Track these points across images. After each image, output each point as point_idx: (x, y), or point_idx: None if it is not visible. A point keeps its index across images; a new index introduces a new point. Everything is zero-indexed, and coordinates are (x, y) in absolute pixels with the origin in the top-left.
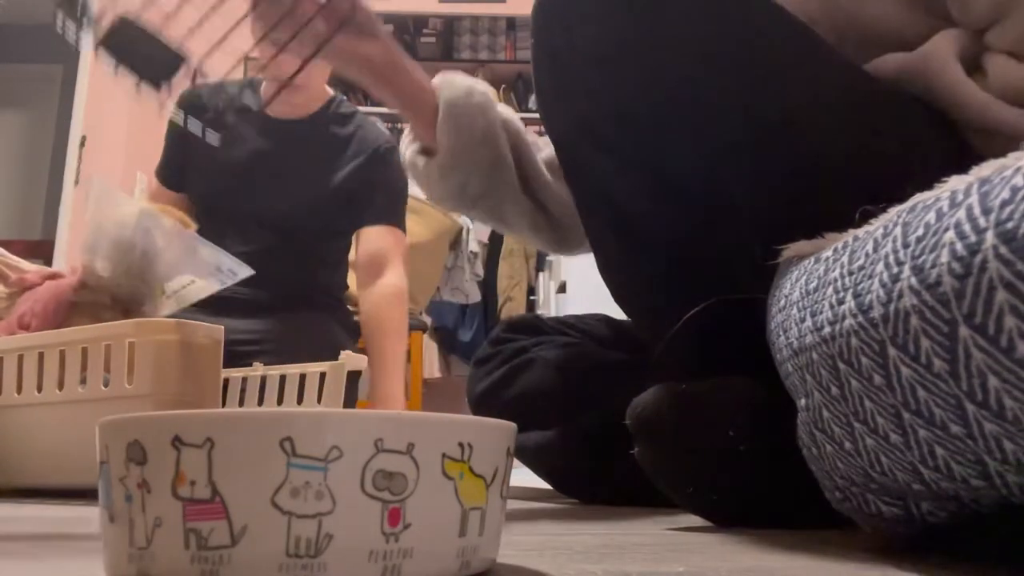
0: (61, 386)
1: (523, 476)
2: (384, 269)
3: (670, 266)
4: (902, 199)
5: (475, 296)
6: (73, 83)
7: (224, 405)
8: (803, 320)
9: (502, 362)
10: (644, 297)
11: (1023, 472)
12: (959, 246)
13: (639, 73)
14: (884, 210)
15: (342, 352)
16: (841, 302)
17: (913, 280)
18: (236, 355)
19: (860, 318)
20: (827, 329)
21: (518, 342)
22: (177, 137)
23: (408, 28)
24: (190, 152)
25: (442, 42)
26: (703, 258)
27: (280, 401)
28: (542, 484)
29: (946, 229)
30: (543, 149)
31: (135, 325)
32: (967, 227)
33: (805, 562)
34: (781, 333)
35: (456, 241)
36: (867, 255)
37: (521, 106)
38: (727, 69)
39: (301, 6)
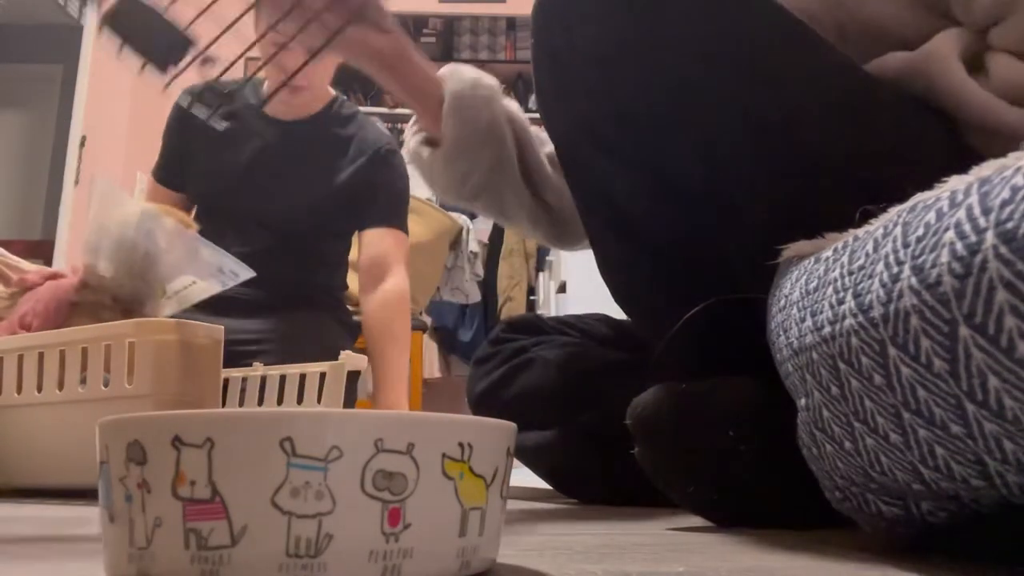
0: (61, 386)
1: (523, 476)
2: (386, 273)
3: (670, 266)
4: (902, 199)
5: (475, 296)
6: (73, 83)
7: (224, 405)
8: (803, 320)
9: (502, 362)
10: (644, 297)
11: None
12: (959, 246)
13: (639, 73)
14: (884, 210)
15: (342, 352)
16: (841, 302)
17: (913, 280)
18: (236, 355)
19: (860, 318)
20: (827, 329)
21: (518, 342)
22: (176, 136)
23: (408, 28)
24: (190, 152)
25: (442, 42)
26: (703, 258)
27: (280, 401)
28: (542, 484)
29: (946, 229)
30: (546, 144)
31: (135, 325)
32: (967, 227)
33: (805, 562)
34: (781, 333)
35: (456, 241)
36: (867, 255)
37: (521, 106)
38: (727, 69)
39: None
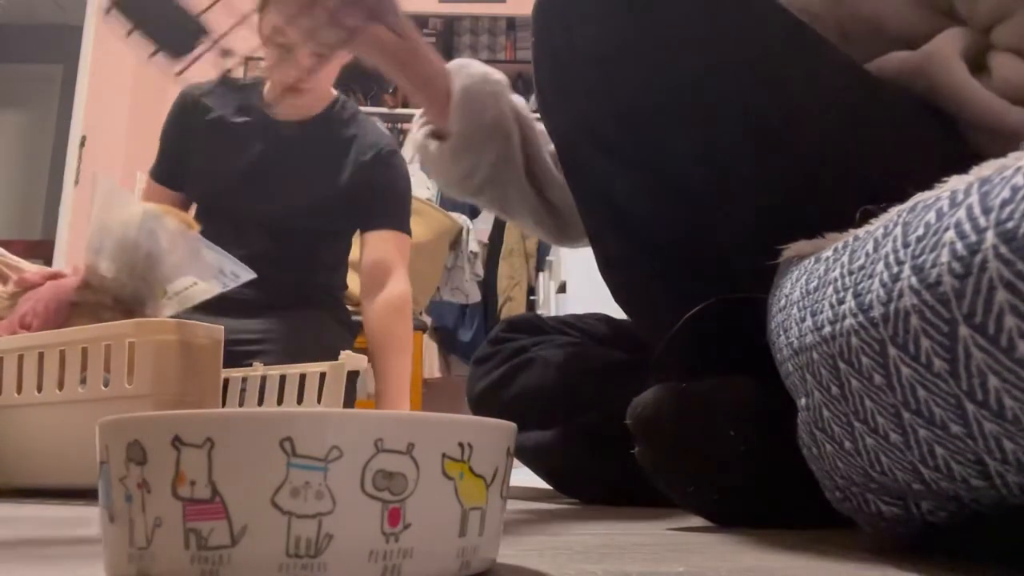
0: (61, 386)
1: (523, 476)
2: (387, 278)
3: (670, 266)
4: (902, 199)
5: (475, 296)
6: (73, 83)
7: (224, 405)
8: (803, 320)
9: (502, 361)
10: (644, 297)
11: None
12: (959, 245)
13: (639, 73)
14: (884, 210)
15: (342, 352)
16: (841, 302)
17: (913, 280)
18: (236, 355)
19: (860, 317)
20: (827, 329)
21: (518, 341)
22: (176, 135)
23: None
24: (189, 151)
25: (442, 42)
26: (703, 258)
27: (280, 401)
28: (542, 484)
29: (946, 229)
30: (551, 141)
31: (135, 325)
32: (967, 226)
33: (805, 562)
34: (781, 333)
35: (456, 241)
36: (867, 255)
37: None
38: (727, 69)
39: None
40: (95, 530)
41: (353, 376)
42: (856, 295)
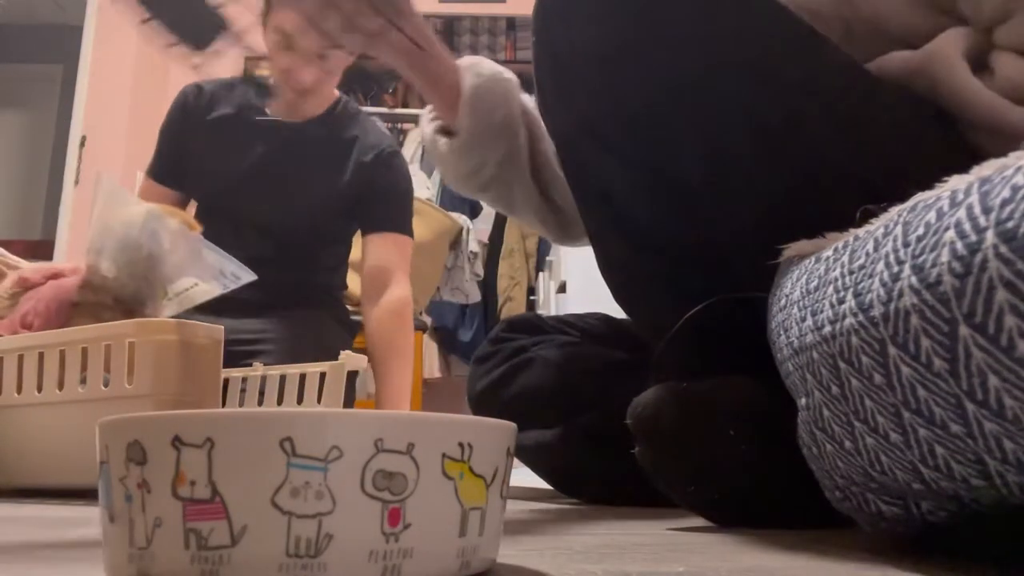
0: (61, 386)
1: (523, 476)
2: (388, 283)
3: (670, 265)
4: (903, 198)
5: (475, 296)
6: (73, 83)
7: (224, 405)
8: (804, 319)
9: (502, 361)
10: (644, 296)
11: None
12: (959, 245)
13: (639, 73)
14: (885, 209)
15: (342, 352)
16: (842, 301)
17: (913, 279)
18: (236, 355)
19: (860, 317)
20: (827, 328)
21: (518, 341)
22: (176, 134)
23: None
24: (189, 151)
25: (442, 42)
26: (703, 258)
27: (280, 401)
28: (542, 484)
29: (946, 228)
30: None
31: (135, 325)
32: (967, 226)
33: (805, 562)
34: (782, 332)
35: (456, 241)
36: (868, 254)
37: None
38: (727, 69)
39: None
40: (95, 530)
41: (353, 376)
42: (856, 294)
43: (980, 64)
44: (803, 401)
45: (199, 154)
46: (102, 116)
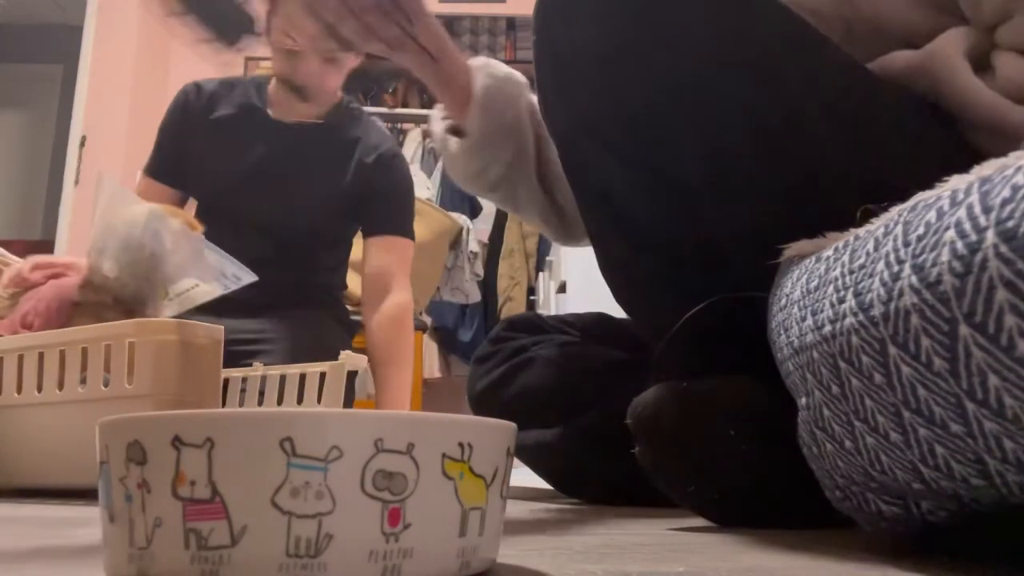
0: (61, 386)
1: (523, 476)
2: (389, 288)
3: (670, 265)
4: (903, 198)
5: (475, 296)
6: (73, 83)
7: (224, 405)
8: (804, 319)
9: (502, 360)
10: (644, 296)
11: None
12: (959, 244)
13: (640, 73)
14: (885, 209)
15: (342, 352)
16: (842, 301)
17: (913, 279)
18: (236, 355)
19: (861, 316)
20: (828, 328)
21: (518, 340)
22: (176, 132)
23: None
24: (190, 150)
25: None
26: (703, 257)
27: (280, 401)
28: (542, 484)
29: (947, 228)
30: None
31: (135, 325)
32: (967, 225)
33: (805, 562)
34: (782, 332)
35: (456, 241)
36: (868, 254)
37: None
38: (728, 69)
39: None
40: (95, 530)
41: (352, 376)
42: (856, 294)
43: (981, 64)
44: (803, 401)
45: (199, 154)
46: (102, 116)
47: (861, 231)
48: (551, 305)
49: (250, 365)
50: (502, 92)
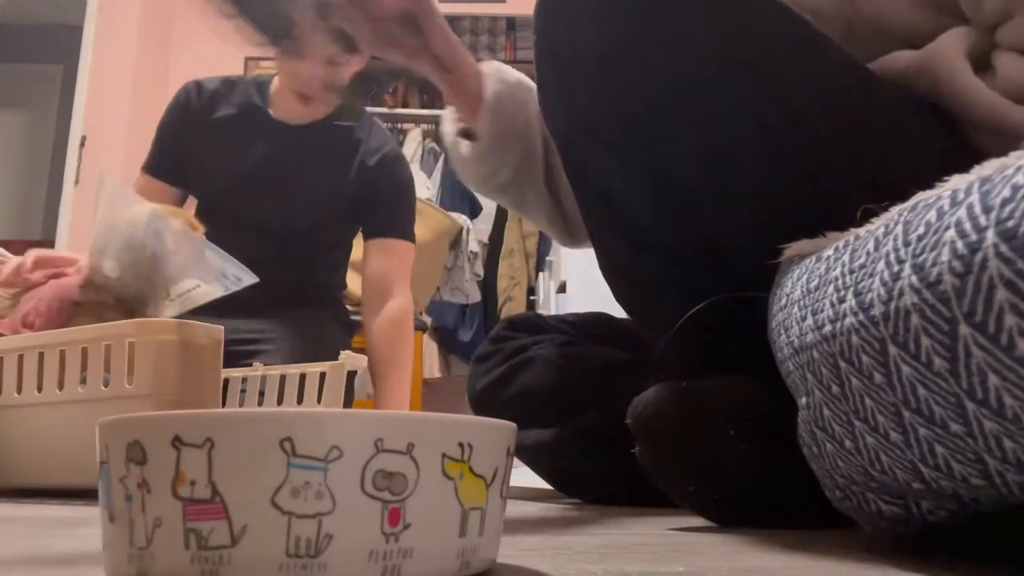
0: (61, 386)
1: (523, 476)
2: (390, 293)
3: (670, 266)
4: (904, 198)
5: (475, 296)
6: (73, 83)
7: (224, 405)
8: (804, 319)
9: (502, 360)
10: (645, 296)
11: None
12: (960, 244)
13: (640, 73)
14: (886, 209)
15: (342, 352)
16: (842, 300)
17: (914, 278)
18: (236, 355)
19: (861, 316)
20: (828, 327)
21: (518, 340)
22: (177, 131)
23: None
24: (190, 149)
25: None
26: (704, 257)
27: (280, 401)
28: (542, 484)
29: (947, 227)
30: None
31: (135, 325)
32: (968, 225)
33: (805, 562)
34: (782, 331)
35: (456, 241)
36: (868, 253)
37: None
38: (728, 69)
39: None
40: (95, 530)
41: (352, 376)
42: (857, 294)
43: (982, 64)
44: (803, 400)
45: (199, 153)
46: (102, 116)
47: (861, 231)
48: (551, 305)
49: (250, 365)
50: (512, 98)
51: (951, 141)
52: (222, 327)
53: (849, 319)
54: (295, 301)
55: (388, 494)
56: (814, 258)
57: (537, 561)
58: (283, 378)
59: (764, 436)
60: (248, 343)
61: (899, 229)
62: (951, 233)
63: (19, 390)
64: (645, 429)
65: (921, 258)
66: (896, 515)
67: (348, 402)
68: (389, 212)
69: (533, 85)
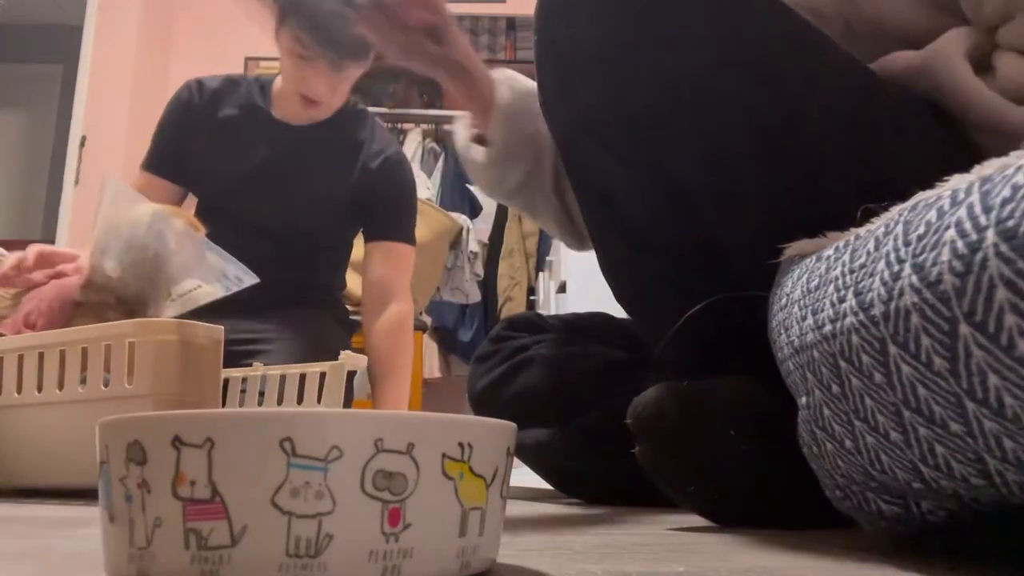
0: (61, 386)
1: (523, 476)
2: (390, 298)
3: (670, 266)
4: (904, 197)
5: (475, 296)
6: (73, 83)
7: (224, 405)
8: (804, 318)
9: (502, 360)
10: (645, 296)
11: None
12: (960, 244)
13: (640, 73)
14: (886, 208)
15: (342, 352)
16: (842, 300)
17: (914, 278)
18: (236, 355)
19: (861, 316)
20: (828, 327)
21: (518, 340)
22: (178, 129)
23: None
24: (191, 148)
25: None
26: (704, 257)
27: (280, 401)
28: (542, 484)
29: (947, 227)
30: None
31: (135, 325)
32: (968, 225)
33: (805, 562)
34: (782, 331)
35: (456, 241)
36: (868, 253)
37: None
38: (728, 68)
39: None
40: (95, 530)
41: (352, 376)
42: (857, 293)
43: (982, 64)
44: (803, 400)
45: (200, 152)
46: (102, 116)
47: (862, 231)
48: (551, 305)
49: (250, 365)
50: (524, 106)
51: (951, 141)
52: (222, 327)
53: (849, 319)
54: (295, 301)
55: (388, 494)
56: (814, 258)
57: (537, 561)
58: (283, 378)
59: (764, 436)
60: (248, 343)
61: (899, 229)
62: (951, 233)
63: (19, 390)
64: (645, 429)
65: (921, 258)
66: (896, 515)
67: (348, 402)
68: (391, 216)
69: None
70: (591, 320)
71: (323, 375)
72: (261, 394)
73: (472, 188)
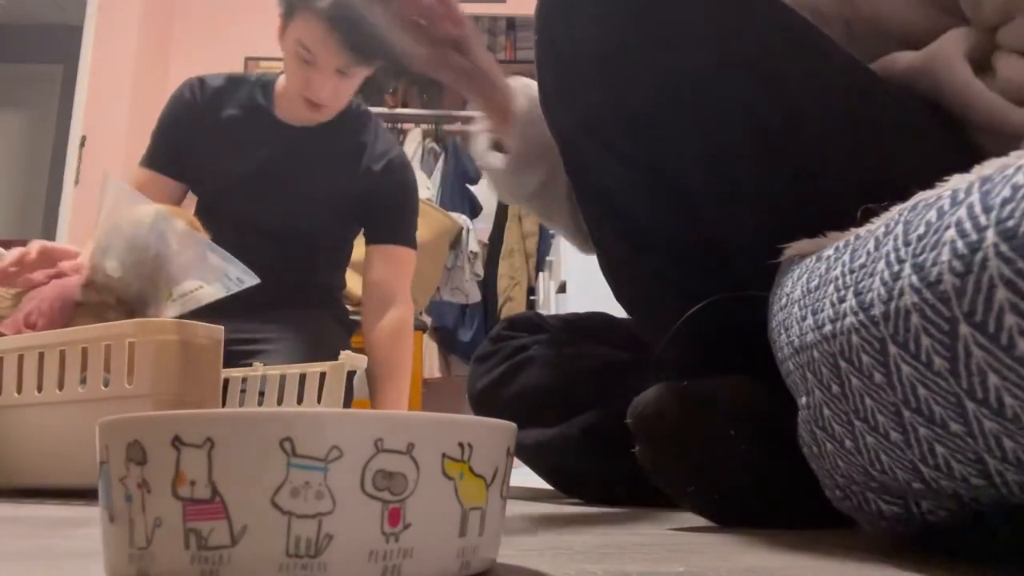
0: (61, 386)
1: (523, 476)
2: (391, 301)
3: (670, 265)
4: (904, 197)
5: (475, 296)
6: (73, 83)
7: (224, 405)
8: (804, 318)
9: (502, 359)
10: (645, 296)
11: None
12: (960, 244)
13: (640, 72)
14: (886, 208)
15: (342, 352)
16: (842, 300)
17: (914, 278)
18: (236, 355)
19: (861, 316)
20: (828, 327)
21: (518, 340)
22: (179, 128)
23: None
24: (191, 148)
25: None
26: (704, 257)
27: (280, 401)
28: (542, 484)
29: (947, 227)
30: None
31: (135, 325)
32: (968, 225)
33: (805, 562)
34: (782, 331)
35: (456, 241)
36: (868, 253)
37: None
38: (728, 69)
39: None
40: (95, 530)
41: (351, 376)
42: (857, 293)
43: (982, 65)
44: (803, 400)
45: (201, 152)
46: (102, 116)
47: (862, 231)
48: (551, 305)
49: (250, 365)
50: (539, 115)
51: (951, 141)
52: (222, 327)
53: (849, 319)
54: (295, 301)
55: (388, 494)
56: (814, 258)
57: (537, 561)
58: (283, 378)
59: (764, 436)
60: (248, 343)
61: (899, 229)
62: (951, 233)
63: (19, 390)
64: (645, 429)
65: (921, 258)
66: (896, 515)
67: (348, 402)
68: (393, 218)
69: None
70: (591, 320)
71: (323, 375)
72: (261, 394)
73: (472, 188)
